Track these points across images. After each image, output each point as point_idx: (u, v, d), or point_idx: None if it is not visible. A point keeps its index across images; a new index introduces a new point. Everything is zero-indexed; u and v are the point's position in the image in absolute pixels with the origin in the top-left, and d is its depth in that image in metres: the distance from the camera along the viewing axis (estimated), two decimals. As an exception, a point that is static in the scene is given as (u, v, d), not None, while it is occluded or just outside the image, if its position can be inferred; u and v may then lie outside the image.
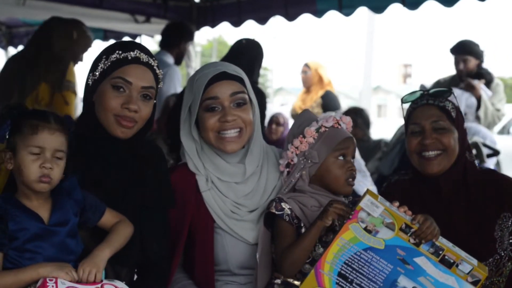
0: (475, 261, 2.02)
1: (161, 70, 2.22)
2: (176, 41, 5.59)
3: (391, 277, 2.01)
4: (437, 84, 5.81)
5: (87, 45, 4.58)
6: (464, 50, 5.72)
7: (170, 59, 5.56)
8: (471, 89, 5.47)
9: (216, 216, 2.28)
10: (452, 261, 2.00)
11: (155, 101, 2.22)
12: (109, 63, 2.12)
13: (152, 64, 2.17)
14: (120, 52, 2.12)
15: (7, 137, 1.91)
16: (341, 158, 2.24)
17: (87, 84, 2.17)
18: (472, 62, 5.74)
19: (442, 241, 2.02)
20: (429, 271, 2.00)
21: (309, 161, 2.24)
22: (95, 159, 2.12)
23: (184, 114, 2.34)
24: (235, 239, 2.29)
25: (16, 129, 1.90)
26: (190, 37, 5.97)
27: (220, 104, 2.27)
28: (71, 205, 1.96)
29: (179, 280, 2.30)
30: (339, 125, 2.28)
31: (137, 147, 2.20)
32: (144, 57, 2.14)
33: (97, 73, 2.13)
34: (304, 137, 2.27)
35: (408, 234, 2.00)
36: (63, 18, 4.55)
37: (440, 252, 2.00)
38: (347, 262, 2.02)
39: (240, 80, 2.32)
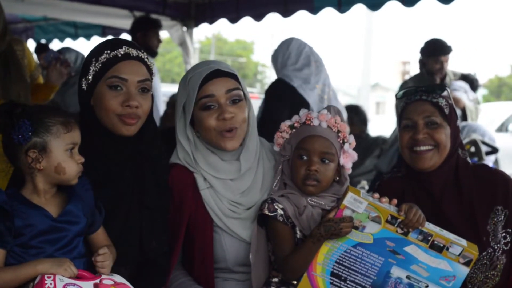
0: (464, 242, 2.03)
1: (152, 61, 2.20)
2: (134, 36, 5.55)
3: (384, 269, 2.02)
4: (405, 84, 5.71)
5: None
6: (446, 51, 5.64)
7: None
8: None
9: (215, 215, 2.28)
10: (441, 245, 2.01)
11: (151, 92, 2.21)
12: (100, 65, 2.10)
13: (142, 56, 2.16)
14: (109, 51, 2.11)
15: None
16: (303, 157, 2.15)
17: (81, 89, 2.15)
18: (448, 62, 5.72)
19: (429, 227, 2.02)
20: (420, 258, 2.01)
21: (285, 155, 2.22)
22: (98, 158, 2.11)
23: (178, 114, 2.32)
24: (233, 238, 2.29)
25: (42, 129, 1.87)
26: (141, 27, 5.67)
27: (216, 102, 2.25)
28: (83, 206, 1.94)
29: (178, 277, 2.30)
30: (312, 122, 2.18)
31: (143, 145, 2.19)
32: (133, 51, 2.14)
33: (90, 77, 2.12)
34: (280, 131, 2.25)
35: (395, 225, 2.00)
36: None
37: (429, 238, 2.00)
38: (338, 261, 2.02)
39: (234, 77, 2.31)
